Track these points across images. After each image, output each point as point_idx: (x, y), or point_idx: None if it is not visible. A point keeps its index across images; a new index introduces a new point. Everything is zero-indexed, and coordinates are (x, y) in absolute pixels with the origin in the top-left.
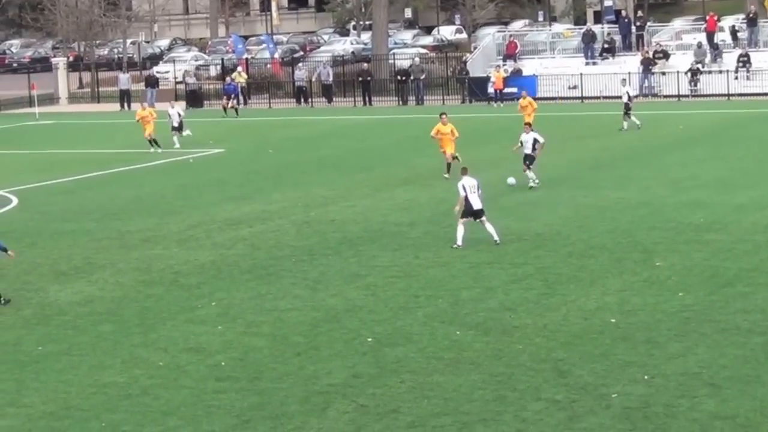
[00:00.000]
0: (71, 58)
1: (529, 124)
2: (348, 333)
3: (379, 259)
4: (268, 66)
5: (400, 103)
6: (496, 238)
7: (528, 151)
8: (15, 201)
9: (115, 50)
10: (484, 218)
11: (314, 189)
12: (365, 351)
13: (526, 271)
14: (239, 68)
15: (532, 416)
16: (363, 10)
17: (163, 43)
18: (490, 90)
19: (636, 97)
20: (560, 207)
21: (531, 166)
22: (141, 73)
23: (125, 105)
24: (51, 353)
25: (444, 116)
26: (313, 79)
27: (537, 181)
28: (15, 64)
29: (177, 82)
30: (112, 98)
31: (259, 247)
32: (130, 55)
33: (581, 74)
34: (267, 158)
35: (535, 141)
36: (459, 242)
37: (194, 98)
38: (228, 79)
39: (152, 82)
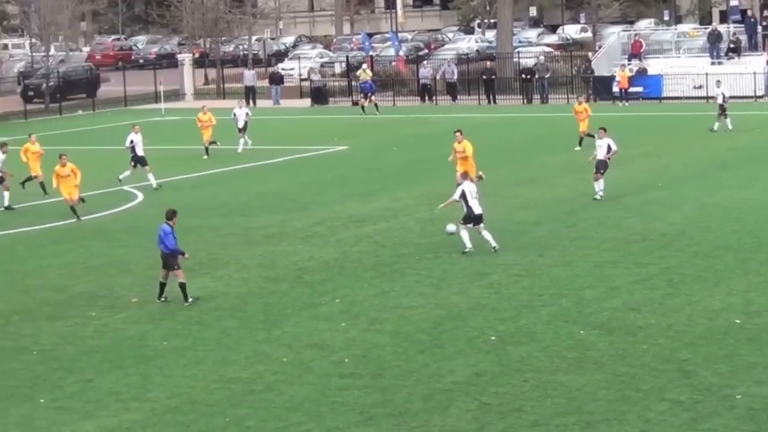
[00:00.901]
0: (197, 55)
1: (603, 129)
2: (471, 331)
3: (503, 258)
4: (393, 63)
5: (525, 101)
6: (494, 244)
7: (601, 156)
8: (140, 197)
9: (241, 47)
10: (482, 225)
11: (438, 186)
12: (488, 349)
13: (650, 271)
14: (364, 65)
15: (655, 417)
16: (488, 8)
17: (288, 40)
18: (615, 89)
19: (761, 97)
20: (685, 206)
21: (603, 174)
22: (266, 70)
23: (251, 101)
24: (176, 348)
25: (459, 134)
26: (438, 77)
27: (602, 194)
28: (141, 60)
29: (302, 79)
30: (237, 95)
31: (383, 244)
32: (256, 52)
33: (706, 74)
34: (391, 156)
35: (609, 147)
36: (468, 245)
37: (319, 95)
38: (359, 73)
39: (277, 79)
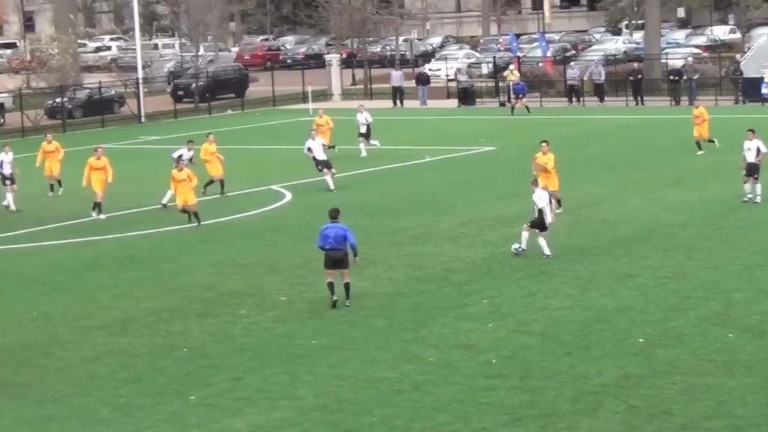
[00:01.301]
0: (344, 55)
1: (752, 131)
2: (619, 333)
3: (651, 260)
4: (540, 64)
5: (673, 103)
6: (547, 252)
7: (751, 159)
8: (289, 196)
9: (388, 48)
10: (545, 233)
11: (585, 188)
12: (636, 351)
13: None
14: (512, 66)
15: None
16: (635, 9)
17: (435, 40)
18: (764, 90)
19: None
20: None
21: (757, 178)
22: (413, 71)
23: (398, 102)
24: (324, 347)
25: (545, 145)
26: (585, 78)
27: (759, 198)
28: (289, 61)
29: (449, 80)
30: (384, 95)
31: (531, 245)
32: (403, 53)
33: None
34: None
35: (758, 149)
36: (523, 245)
37: (466, 96)
38: (506, 74)
39: (423, 79)
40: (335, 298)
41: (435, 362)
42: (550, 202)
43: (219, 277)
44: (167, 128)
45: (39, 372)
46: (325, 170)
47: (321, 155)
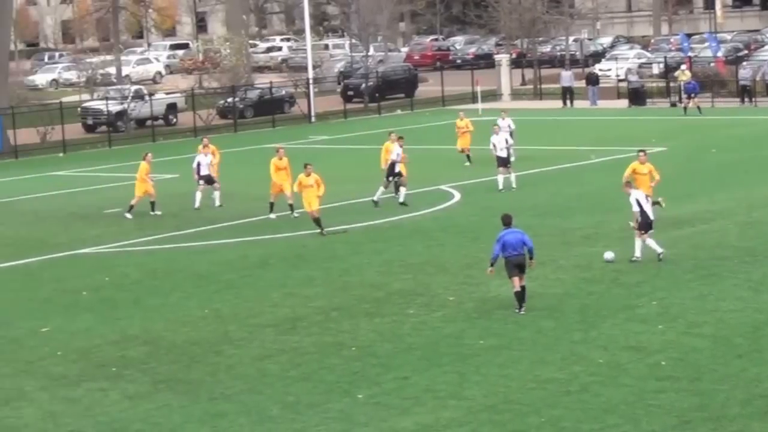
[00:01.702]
0: (514, 55)
1: None
2: None
3: None
4: (712, 65)
5: None
6: (660, 251)
7: None
8: (457, 196)
9: (557, 47)
10: (651, 231)
11: (758, 189)
12: None
13: None
14: (683, 66)
15: None
16: None
17: (606, 40)
18: None
19: None
20: None
21: None
22: (583, 71)
23: (568, 102)
24: (492, 347)
25: (642, 154)
26: (758, 78)
27: None
28: (459, 61)
29: (619, 80)
30: (554, 95)
31: (701, 246)
32: (573, 53)
33: None
34: (709, 157)
35: None
36: (638, 254)
37: (636, 96)
38: (677, 74)
39: (593, 80)
40: (522, 311)
41: (604, 363)
42: (647, 200)
43: (387, 276)
44: (337, 128)
45: (210, 369)
46: (501, 169)
47: (502, 152)
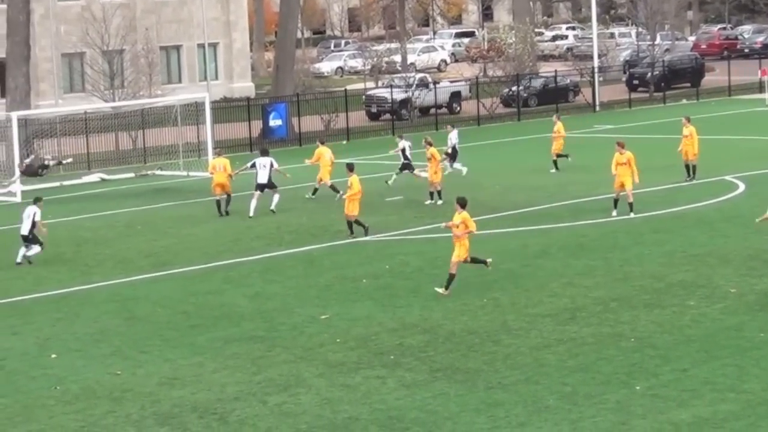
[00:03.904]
0: None
1: None
2: None
3: None
4: None
5: None
6: None
7: None
8: (742, 187)
9: None
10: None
11: None
12: None
13: None
14: None
15: None
16: None
17: None
18: None
19: None
20: None
21: None
22: None
23: None
24: None
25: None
26: None
27: None
28: (746, 50)
29: None
30: None
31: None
32: None
33: None
34: None
35: None
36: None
37: None
38: None
39: None
40: None
41: None
42: None
43: (669, 267)
44: (622, 117)
45: (487, 358)
46: None
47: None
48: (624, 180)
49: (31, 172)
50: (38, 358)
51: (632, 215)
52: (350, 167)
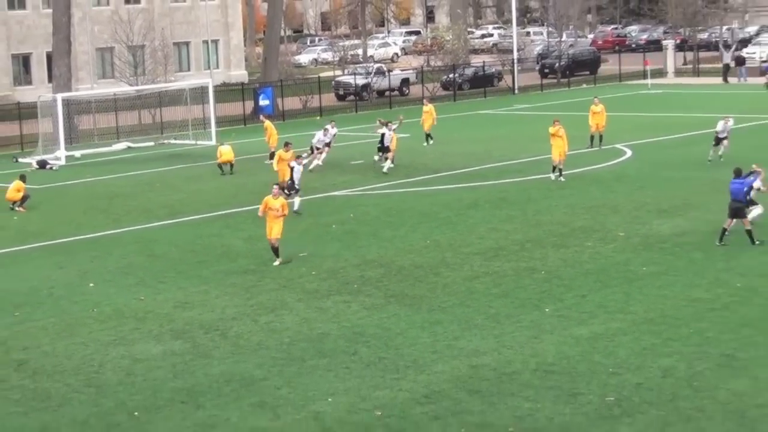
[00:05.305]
0: (678, 41)
1: None
2: None
3: None
4: None
5: None
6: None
7: None
8: (629, 153)
9: (713, 35)
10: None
11: None
12: None
13: None
14: None
15: None
16: None
17: (752, 29)
18: None
19: None
20: None
21: None
22: (733, 54)
23: (727, 79)
24: (652, 273)
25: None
26: None
27: None
28: (633, 45)
29: (761, 62)
30: (709, 74)
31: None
32: (725, 39)
33: None
34: None
35: None
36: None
37: None
38: None
39: (741, 61)
40: (724, 242)
41: (741, 287)
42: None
43: (571, 216)
44: (535, 98)
45: (429, 287)
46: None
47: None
48: (554, 151)
49: (41, 165)
50: (79, 287)
51: (562, 179)
52: (286, 144)
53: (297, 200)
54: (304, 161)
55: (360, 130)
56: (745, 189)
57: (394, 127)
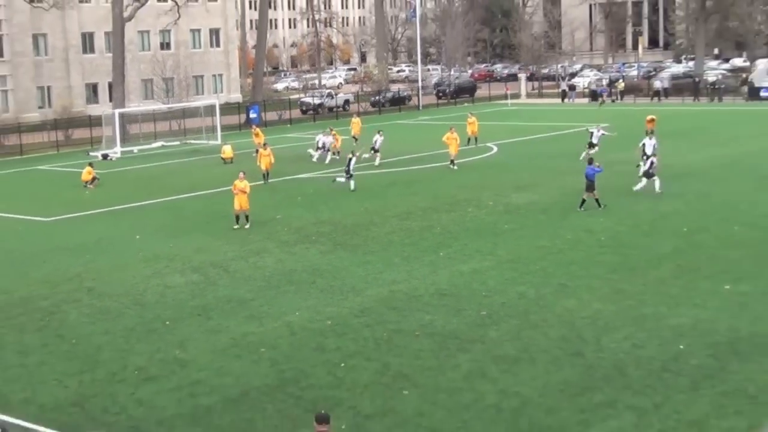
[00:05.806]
0: (528, 74)
1: None
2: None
3: None
4: (635, 79)
5: (712, 100)
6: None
7: None
8: (495, 149)
9: (551, 70)
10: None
11: (683, 157)
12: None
13: None
14: (620, 80)
15: None
16: (690, 48)
17: (578, 66)
18: (764, 94)
19: None
20: None
21: None
22: (565, 83)
23: (563, 100)
24: (511, 229)
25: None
26: (660, 85)
27: None
28: (498, 77)
29: (584, 88)
30: (549, 96)
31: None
32: (561, 73)
33: None
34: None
35: None
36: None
37: (594, 96)
38: (617, 84)
39: (572, 87)
40: (583, 209)
41: (570, 238)
42: None
43: (457, 191)
44: (433, 113)
45: (363, 239)
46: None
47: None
48: (451, 148)
49: (104, 157)
50: (127, 239)
51: (455, 167)
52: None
53: (352, 183)
54: (363, 155)
55: (315, 133)
56: (594, 174)
57: (334, 133)
